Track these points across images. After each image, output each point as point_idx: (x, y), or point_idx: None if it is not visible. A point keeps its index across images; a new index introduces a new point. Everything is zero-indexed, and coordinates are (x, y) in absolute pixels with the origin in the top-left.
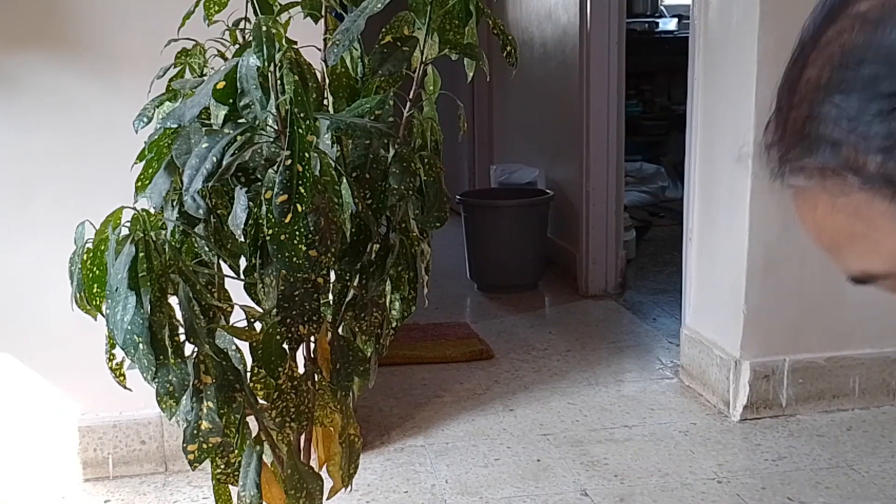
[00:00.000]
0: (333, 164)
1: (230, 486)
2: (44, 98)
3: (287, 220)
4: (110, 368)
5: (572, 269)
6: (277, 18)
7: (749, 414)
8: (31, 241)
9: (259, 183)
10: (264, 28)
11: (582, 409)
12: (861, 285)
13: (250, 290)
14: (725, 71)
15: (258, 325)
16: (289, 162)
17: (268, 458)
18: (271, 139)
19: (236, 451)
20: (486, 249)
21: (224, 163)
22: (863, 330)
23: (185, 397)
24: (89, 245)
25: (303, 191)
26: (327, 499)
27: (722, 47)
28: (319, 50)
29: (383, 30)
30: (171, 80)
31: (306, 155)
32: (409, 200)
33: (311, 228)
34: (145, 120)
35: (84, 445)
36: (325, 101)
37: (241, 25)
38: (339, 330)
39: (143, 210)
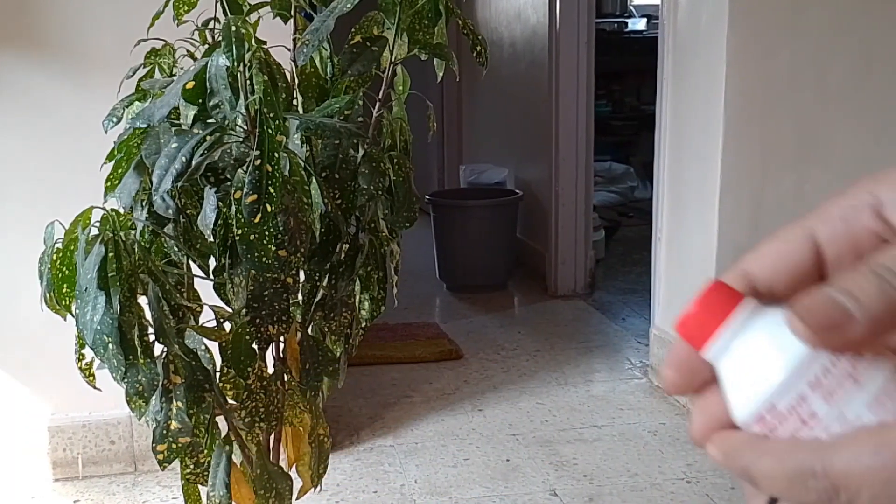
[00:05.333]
0: (303, 164)
1: (199, 486)
2: (13, 98)
3: (256, 220)
4: (80, 368)
5: (541, 270)
6: (247, 18)
7: None
8: (1, 241)
9: (228, 183)
10: (233, 28)
11: (551, 410)
12: None
13: (220, 290)
14: (694, 71)
15: (228, 325)
16: (258, 162)
17: (237, 458)
18: (241, 139)
19: (206, 451)
20: (456, 249)
21: (193, 163)
22: None
23: (154, 397)
24: (59, 245)
25: (272, 191)
26: (296, 499)
27: (691, 47)
28: (289, 50)
29: (353, 30)
30: (140, 80)
31: (276, 155)
32: (379, 200)
33: (281, 228)
34: (115, 120)
35: (54, 445)
36: (295, 101)
37: (211, 25)
38: (309, 330)
39: (112, 210)
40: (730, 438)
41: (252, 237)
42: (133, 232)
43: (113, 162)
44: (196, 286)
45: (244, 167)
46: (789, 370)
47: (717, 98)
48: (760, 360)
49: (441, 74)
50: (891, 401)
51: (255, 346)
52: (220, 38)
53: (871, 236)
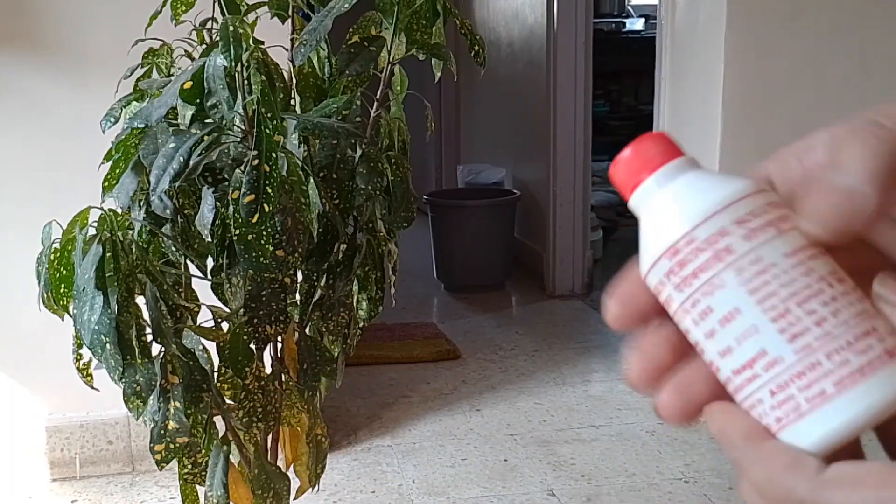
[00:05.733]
0: (300, 165)
1: (197, 487)
2: (10, 98)
3: (254, 220)
4: (77, 368)
5: (539, 270)
6: (244, 18)
7: None
8: None
9: (226, 183)
10: (231, 28)
11: (549, 409)
12: None
13: (217, 290)
14: (692, 71)
15: (225, 325)
16: (256, 162)
17: (235, 458)
18: (238, 139)
19: (203, 451)
20: (454, 249)
21: (191, 163)
22: None
23: (152, 397)
24: (56, 245)
25: (270, 191)
26: (294, 499)
27: (689, 47)
28: (286, 50)
29: (350, 30)
30: (138, 79)
31: (273, 155)
32: (377, 200)
33: (279, 228)
34: (112, 120)
35: (51, 445)
36: (293, 102)
37: (209, 25)
38: (307, 330)
39: (110, 210)
40: (730, 420)
41: (250, 237)
42: (131, 232)
43: (111, 162)
44: (194, 286)
45: (242, 167)
46: (718, 201)
47: (715, 98)
48: (690, 196)
49: (439, 74)
50: (808, 259)
51: (252, 346)
52: (218, 38)
53: (823, 169)
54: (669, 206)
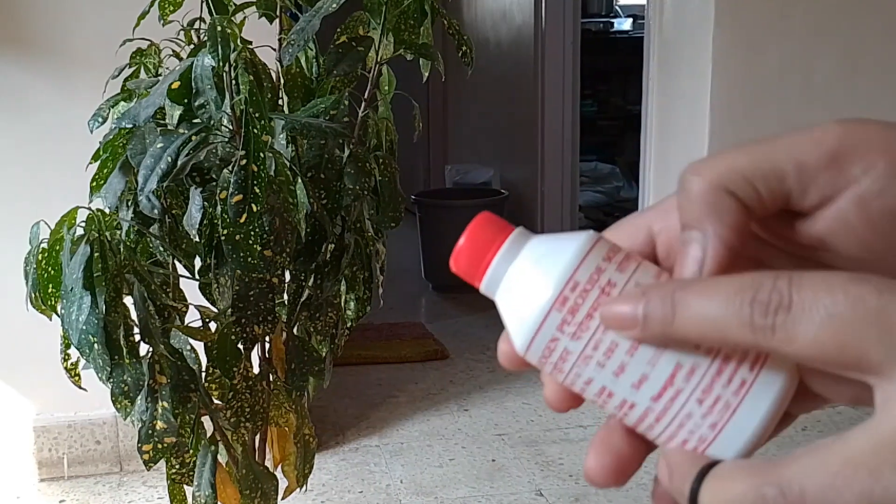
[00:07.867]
0: (288, 164)
1: (185, 486)
2: None
3: (242, 220)
4: (65, 368)
5: None
6: (232, 18)
7: None
8: None
9: (214, 183)
10: (219, 28)
11: (537, 409)
12: None
13: (205, 290)
14: (680, 71)
15: (213, 325)
16: (244, 162)
17: (223, 458)
18: (226, 139)
19: (191, 451)
20: (442, 249)
21: (179, 163)
22: None
23: (139, 397)
24: (44, 245)
25: (258, 191)
26: (282, 499)
27: (677, 47)
28: (274, 50)
29: (338, 30)
30: (126, 80)
31: (261, 155)
32: (364, 200)
33: (266, 228)
34: (100, 120)
35: (39, 445)
36: (280, 101)
37: (196, 25)
38: (294, 330)
39: (98, 210)
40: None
41: (237, 237)
42: (118, 232)
43: (98, 162)
44: (181, 286)
45: (230, 167)
46: (581, 247)
47: (703, 98)
48: (551, 251)
49: (426, 74)
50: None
51: (240, 346)
52: (206, 38)
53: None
54: (535, 266)
